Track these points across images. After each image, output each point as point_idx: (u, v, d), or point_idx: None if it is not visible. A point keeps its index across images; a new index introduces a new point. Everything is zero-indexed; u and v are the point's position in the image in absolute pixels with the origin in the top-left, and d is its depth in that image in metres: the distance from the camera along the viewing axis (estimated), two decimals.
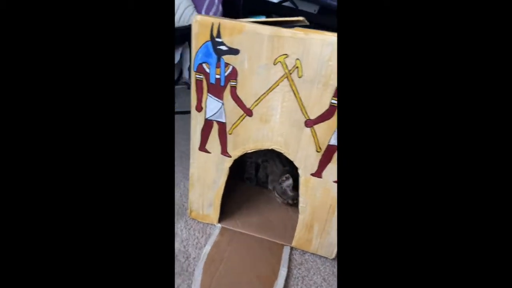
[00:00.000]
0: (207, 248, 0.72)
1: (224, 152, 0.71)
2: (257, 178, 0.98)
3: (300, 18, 0.75)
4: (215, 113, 0.67)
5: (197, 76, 0.64)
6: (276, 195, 0.91)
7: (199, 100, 0.67)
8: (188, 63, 1.47)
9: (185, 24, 1.32)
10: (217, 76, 0.63)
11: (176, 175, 0.99)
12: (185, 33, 1.37)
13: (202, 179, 0.75)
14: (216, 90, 0.65)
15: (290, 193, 0.88)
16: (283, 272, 0.69)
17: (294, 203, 0.89)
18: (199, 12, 1.35)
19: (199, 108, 0.68)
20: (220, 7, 1.41)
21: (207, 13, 1.37)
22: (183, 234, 0.76)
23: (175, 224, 0.79)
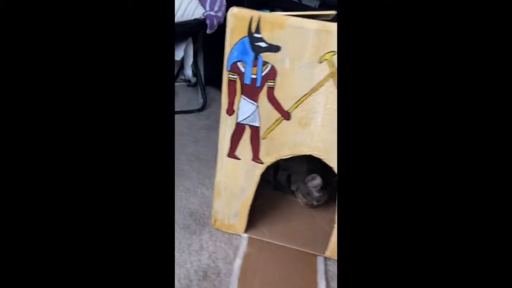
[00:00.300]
0: (238, 262, 0.67)
1: (256, 158, 0.65)
2: (276, 181, 0.93)
3: (333, 12, 0.70)
4: (248, 117, 0.61)
5: (230, 76, 0.58)
6: (300, 195, 0.86)
7: (231, 103, 0.61)
8: (191, 60, 1.40)
9: (189, 18, 1.25)
10: (253, 76, 0.57)
11: (190, 181, 0.92)
12: (189, 28, 1.30)
13: (229, 187, 0.70)
14: (251, 91, 0.59)
15: (315, 194, 0.83)
16: (322, 286, 0.64)
17: (318, 205, 0.85)
18: (203, 6, 1.28)
19: (230, 111, 0.62)
20: (224, 1, 1.34)
21: (211, 7, 1.30)
22: (209, 247, 0.70)
23: (199, 236, 0.73)
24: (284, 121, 0.60)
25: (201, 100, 1.55)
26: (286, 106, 0.59)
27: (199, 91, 1.53)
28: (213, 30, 1.28)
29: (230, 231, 0.75)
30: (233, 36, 0.55)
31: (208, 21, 1.24)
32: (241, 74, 0.58)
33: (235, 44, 0.56)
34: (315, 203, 0.84)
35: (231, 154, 0.66)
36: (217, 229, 0.76)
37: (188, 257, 0.67)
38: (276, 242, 0.74)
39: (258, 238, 0.74)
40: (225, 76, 0.59)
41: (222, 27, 1.33)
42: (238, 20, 0.54)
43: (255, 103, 0.60)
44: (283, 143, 0.62)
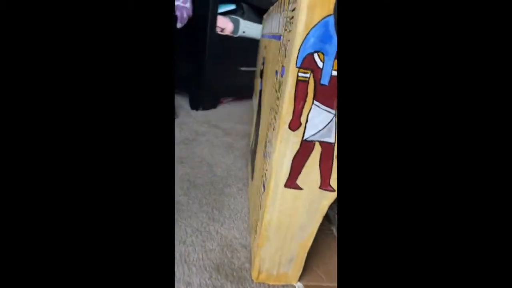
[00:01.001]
0: None
1: (326, 185, 0.48)
2: None
3: None
4: (320, 130, 0.44)
5: (301, 74, 0.40)
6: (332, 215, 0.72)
7: (298, 113, 0.43)
8: None
9: None
10: (334, 73, 0.40)
11: (197, 218, 0.71)
12: None
13: (284, 226, 0.51)
14: (328, 94, 0.42)
15: None
16: None
17: None
18: None
19: (295, 125, 0.43)
20: None
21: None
22: None
23: None
24: None
25: None
26: None
27: None
28: (183, 25, 1.05)
29: (280, 283, 0.57)
30: (311, 15, 0.37)
31: (177, 13, 1.02)
32: (317, 71, 0.40)
33: (312, 27, 0.38)
34: None
35: (291, 183, 0.47)
36: (261, 283, 0.56)
37: None
38: None
39: (317, 284, 0.57)
40: (293, 75, 0.40)
41: (189, 21, 1.11)
42: None
43: (332, 111, 0.43)
44: None
